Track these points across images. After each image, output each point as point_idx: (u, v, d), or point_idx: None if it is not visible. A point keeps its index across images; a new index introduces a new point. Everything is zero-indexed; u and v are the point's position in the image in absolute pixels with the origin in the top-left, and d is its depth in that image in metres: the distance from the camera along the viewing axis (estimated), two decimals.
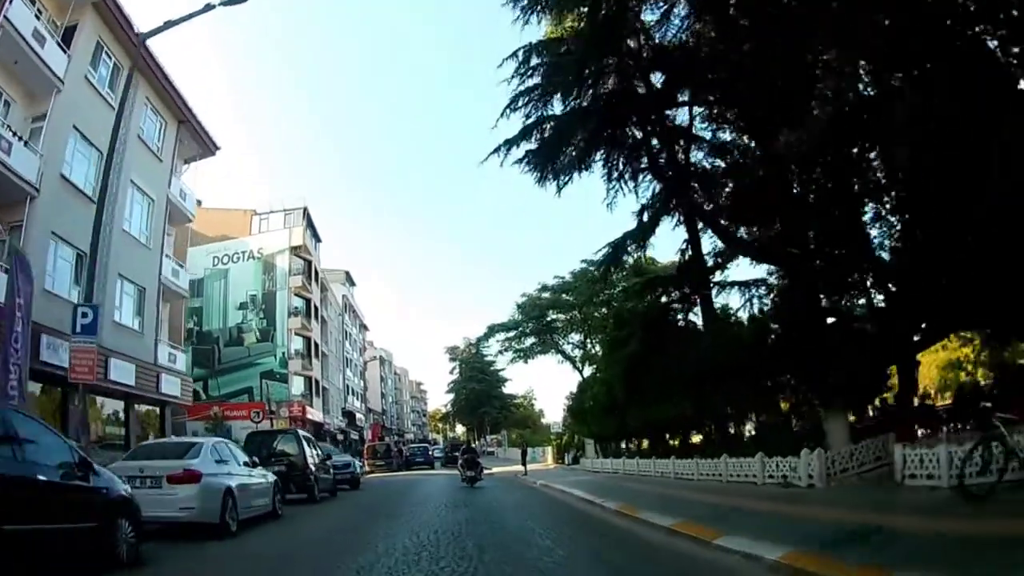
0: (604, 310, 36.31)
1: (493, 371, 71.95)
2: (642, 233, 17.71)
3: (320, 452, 16.71)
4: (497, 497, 15.38)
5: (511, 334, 44.77)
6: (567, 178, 17.37)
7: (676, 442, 19.20)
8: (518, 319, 44.25)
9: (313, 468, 14.66)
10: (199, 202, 51.24)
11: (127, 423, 21.99)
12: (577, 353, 41.73)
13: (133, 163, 22.00)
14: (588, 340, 39.68)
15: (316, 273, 51.52)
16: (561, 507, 13.02)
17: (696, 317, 18.54)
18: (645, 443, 21.90)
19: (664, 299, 18.65)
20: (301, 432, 16.37)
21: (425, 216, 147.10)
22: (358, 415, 71.88)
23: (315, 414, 47.69)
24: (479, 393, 70.68)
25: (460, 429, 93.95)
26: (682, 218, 17.42)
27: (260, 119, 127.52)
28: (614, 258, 18.50)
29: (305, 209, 47.96)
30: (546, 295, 41.50)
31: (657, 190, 17.40)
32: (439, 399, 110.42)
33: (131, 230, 21.92)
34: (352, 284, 73.95)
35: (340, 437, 56.14)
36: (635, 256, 18.76)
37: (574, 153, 16.53)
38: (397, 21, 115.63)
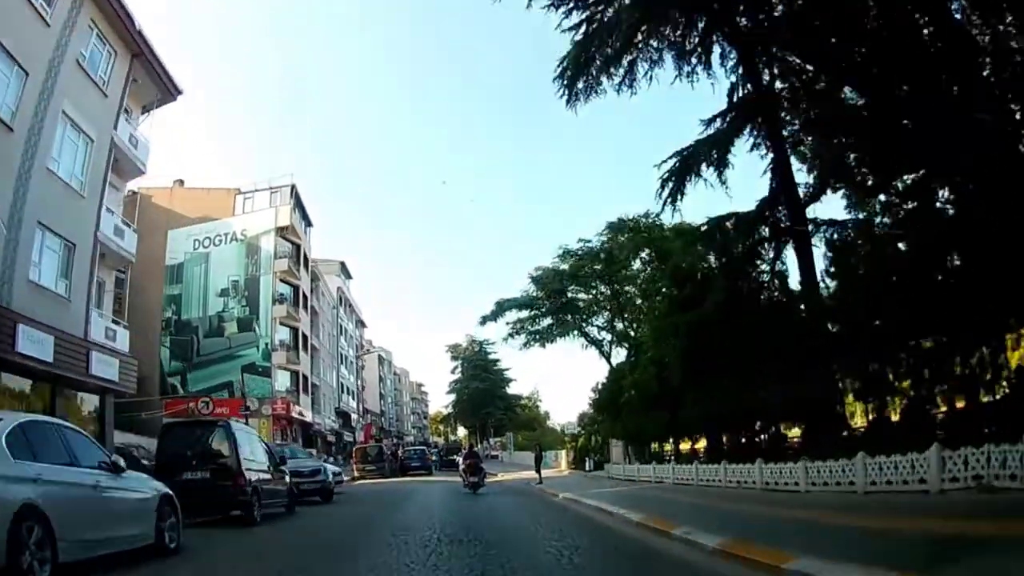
0: (633, 287, 31.29)
1: (497, 369, 67.29)
2: (716, 144, 12.99)
3: (272, 452, 12.24)
4: (518, 520, 10.81)
5: (524, 314, 37.04)
6: (613, 67, 12.82)
7: (742, 440, 14.66)
8: (533, 295, 36.17)
9: (252, 476, 10.17)
10: (181, 182, 47.43)
11: (52, 411, 17.67)
12: (606, 337, 35.20)
13: (68, 91, 17.78)
14: (620, 319, 33.07)
15: (306, 259, 47.16)
16: (617, 539, 8.51)
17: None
18: (701, 443, 17.35)
19: (740, 248, 13.76)
20: (236, 423, 11.81)
21: (430, 223, 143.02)
22: (354, 416, 67.41)
23: (303, 413, 43.24)
24: (482, 393, 65.66)
25: (462, 432, 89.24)
26: (764, 133, 12.85)
27: (259, 114, 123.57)
28: (683, 173, 13.59)
29: (293, 187, 43.58)
30: (567, 266, 34.53)
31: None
32: (441, 400, 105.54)
33: (59, 171, 17.57)
34: (348, 276, 69.56)
35: (331, 439, 51.70)
36: (708, 174, 13.66)
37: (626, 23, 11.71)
38: (394, 15, 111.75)
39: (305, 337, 45.27)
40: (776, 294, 13.30)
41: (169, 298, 42.23)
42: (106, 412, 20.12)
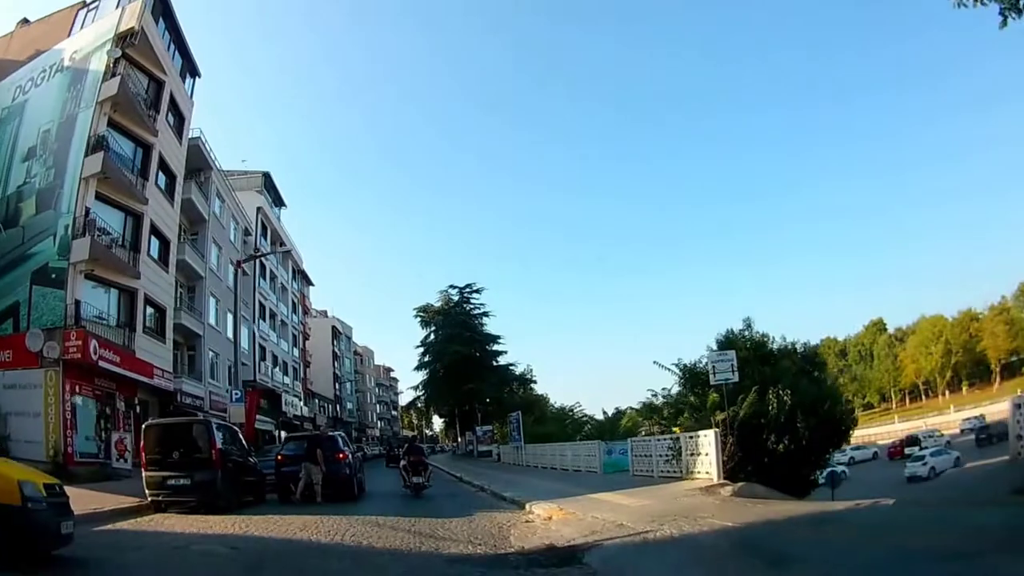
0: None
1: (485, 333, 48.38)
2: None
3: None
4: None
5: None
6: None
7: None
8: None
9: None
10: (26, 20, 28.64)
11: None
12: None
13: None
14: None
15: (179, 114, 28.28)
16: None
17: None
18: None
19: None
20: None
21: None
22: (289, 397, 48.34)
23: (155, 371, 24.43)
24: (464, 362, 45.19)
25: (439, 424, 69.61)
26: None
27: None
28: None
29: None
30: None
31: None
32: (412, 383, 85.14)
33: None
34: (279, 203, 50.15)
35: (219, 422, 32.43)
36: None
37: None
38: None
39: (164, 240, 26.31)
40: None
41: None
42: None
